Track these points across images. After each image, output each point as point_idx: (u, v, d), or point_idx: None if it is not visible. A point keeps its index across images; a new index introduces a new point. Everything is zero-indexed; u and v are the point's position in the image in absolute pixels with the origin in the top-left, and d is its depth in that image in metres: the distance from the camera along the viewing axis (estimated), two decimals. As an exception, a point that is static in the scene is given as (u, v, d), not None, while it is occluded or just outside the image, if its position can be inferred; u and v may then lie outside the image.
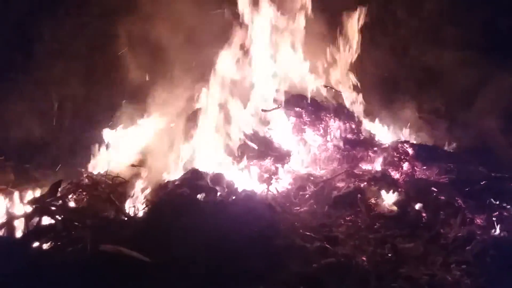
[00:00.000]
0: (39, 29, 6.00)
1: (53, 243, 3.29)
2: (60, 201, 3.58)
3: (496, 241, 3.86)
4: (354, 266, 3.46)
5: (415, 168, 5.01)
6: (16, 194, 4.14)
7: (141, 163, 4.63)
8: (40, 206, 3.51)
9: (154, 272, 3.06)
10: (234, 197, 3.88)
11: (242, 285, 3.03)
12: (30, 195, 4.16)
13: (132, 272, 3.01)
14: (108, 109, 5.80)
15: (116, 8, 6.26)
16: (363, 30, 5.50)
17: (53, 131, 5.95)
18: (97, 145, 5.03)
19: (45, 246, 3.31)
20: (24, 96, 5.85)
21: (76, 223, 3.44)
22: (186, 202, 3.59)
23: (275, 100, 5.07)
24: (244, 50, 5.03)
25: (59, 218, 3.46)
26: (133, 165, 4.57)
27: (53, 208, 3.49)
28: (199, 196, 3.76)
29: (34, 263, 3.14)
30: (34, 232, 3.41)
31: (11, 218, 3.62)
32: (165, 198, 3.69)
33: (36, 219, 3.60)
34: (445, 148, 5.43)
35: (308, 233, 3.78)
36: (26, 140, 5.76)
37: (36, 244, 3.33)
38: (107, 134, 5.20)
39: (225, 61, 4.95)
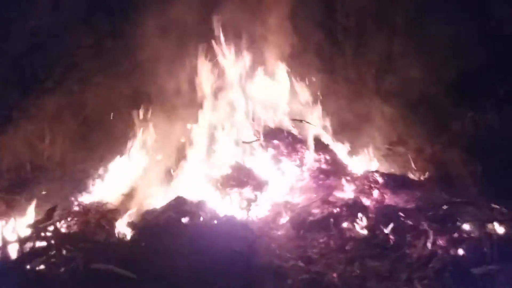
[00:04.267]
0: (35, 69, 6.45)
1: (47, 264, 3.55)
2: (53, 226, 3.85)
3: (454, 259, 4.23)
4: (326, 282, 3.80)
5: (385, 195, 5.36)
6: (9, 221, 4.43)
7: (129, 193, 4.95)
8: (35, 231, 3.78)
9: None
10: (215, 221, 4.22)
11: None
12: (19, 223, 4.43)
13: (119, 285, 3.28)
14: (98, 144, 6.15)
15: (106, 49, 6.79)
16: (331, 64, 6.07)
17: (44, 165, 6.23)
18: (88, 177, 5.35)
19: (40, 266, 3.56)
20: (17, 131, 6.17)
21: (69, 246, 3.70)
22: (172, 224, 3.92)
23: (254, 133, 5.52)
24: (226, 87, 5.53)
25: (53, 242, 3.73)
26: (122, 195, 4.87)
27: (47, 233, 3.76)
28: (183, 219, 4.10)
29: (30, 282, 3.40)
30: (29, 254, 3.66)
31: (5, 242, 3.87)
32: (152, 221, 4.01)
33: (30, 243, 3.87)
34: (412, 177, 5.85)
35: (284, 254, 4.12)
36: (17, 173, 6.03)
37: (31, 265, 3.58)
38: (97, 167, 5.53)
39: (208, 97, 5.42)
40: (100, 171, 5.47)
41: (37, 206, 5.39)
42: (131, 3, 6.83)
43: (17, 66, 6.46)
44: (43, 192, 5.77)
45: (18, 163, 6.04)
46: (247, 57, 5.84)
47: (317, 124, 5.99)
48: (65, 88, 6.57)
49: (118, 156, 5.58)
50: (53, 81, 6.57)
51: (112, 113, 6.26)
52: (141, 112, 5.87)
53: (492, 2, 6.72)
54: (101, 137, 6.22)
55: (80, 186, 5.45)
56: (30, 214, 4.65)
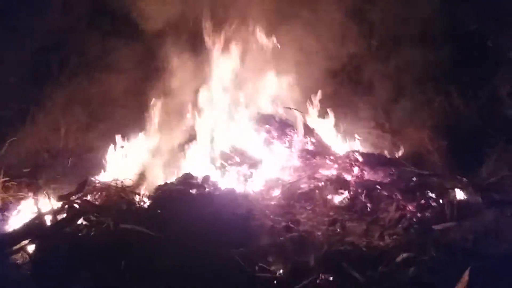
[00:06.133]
0: (50, 66, 7.16)
1: (80, 228, 4.28)
2: (84, 198, 4.58)
3: (420, 219, 5.03)
4: (311, 238, 4.58)
5: (364, 172, 6.06)
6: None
7: (142, 172, 5.70)
8: (68, 202, 4.50)
9: (160, 243, 4.09)
10: (218, 192, 4.98)
11: (227, 248, 4.07)
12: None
13: (143, 242, 4.03)
14: (107, 132, 6.84)
15: (109, 47, 7.46)
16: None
17: (59, 152, 6.92)
18: (101, 161, 6.07)
19: (74, 230, 4.28)
20: (35, 123, 6.86)
21: (97, 214, 4.43)
22: (182, 195, 4.68)
23: (249, 118, 6.29)
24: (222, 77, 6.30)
25: (83, 211, 4.45)
26: (135, 174, 5.62)
27: (78, 203, 4.49)
28: (191, 191, 4.86)
29: (66, 243, 4.13)
30: (63, 221, 4.39)
31: (41, 214, 4.58)
32: (165, 192, 4.76)
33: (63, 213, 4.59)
34: (388, 155, 6.65)
35: (276, 218, 4.90)
36: (36, 160, 6.72)
37: (66, 229, 4.30)
38: (108, 152, 6.24)
39: (211, 85, 6.19)
40: (112, 155, 6.16)
41: (54, 189, 6.12)
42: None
43: (34, 64, 7.15)
44: (58, 176, 6.48)
45: (36, 151, 6.72)
46: (243, 49, 6.56)
47: (304, 110, 6.74)
48: (75, 83, 7.25)
49: (127, 142, 6.27)
50: (65, 77, 7.27)
51: (118, 103, 6.95)
52: (145, 102, 6.56)
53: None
54: (110, 126, 6.89)
55: (94, 169, 6.15)
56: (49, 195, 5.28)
